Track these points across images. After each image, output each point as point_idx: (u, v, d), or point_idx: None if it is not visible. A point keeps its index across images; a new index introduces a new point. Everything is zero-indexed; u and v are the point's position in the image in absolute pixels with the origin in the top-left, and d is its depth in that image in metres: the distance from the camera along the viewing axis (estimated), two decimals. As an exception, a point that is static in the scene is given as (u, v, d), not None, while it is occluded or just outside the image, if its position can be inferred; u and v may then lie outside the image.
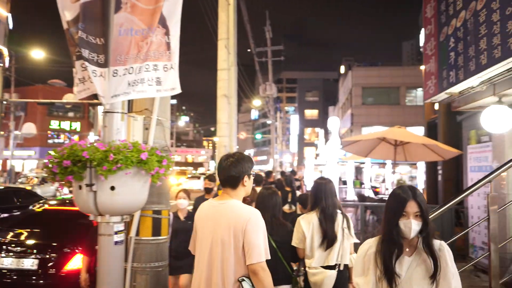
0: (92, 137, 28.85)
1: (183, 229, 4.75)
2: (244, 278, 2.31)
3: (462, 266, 3.01)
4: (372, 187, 19.54)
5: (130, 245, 3.34)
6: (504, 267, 5.00)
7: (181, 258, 4.58)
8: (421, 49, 18.17)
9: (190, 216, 4.94)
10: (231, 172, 2.45)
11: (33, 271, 4.72)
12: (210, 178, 6.26)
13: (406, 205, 2.07)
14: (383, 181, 23.44)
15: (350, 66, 39.67)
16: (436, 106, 12.80)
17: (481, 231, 6.44)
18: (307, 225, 3.48)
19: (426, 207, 2.09)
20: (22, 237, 5.26)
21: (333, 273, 3.40)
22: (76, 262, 4.72)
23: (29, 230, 5.40)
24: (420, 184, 17.88)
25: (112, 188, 2.65)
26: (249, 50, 25.17)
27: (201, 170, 59.72)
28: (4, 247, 4.91)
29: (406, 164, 20.72)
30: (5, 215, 8.99)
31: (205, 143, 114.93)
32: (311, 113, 63.94)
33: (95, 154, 2.55)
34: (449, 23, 5.45)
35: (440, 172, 11.88)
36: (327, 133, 45.18)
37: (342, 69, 44.16)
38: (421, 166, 16.92)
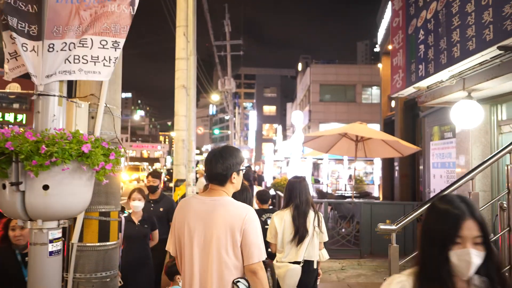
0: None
1: (137, 235, 4.24)
2: (239, 279, 2.19)
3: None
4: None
5: (72, 253, 2.86)
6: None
7: (134, 271, 4.01)
8: (375, 48, 18.51)
9: (146, 219, 4.42)
10: (217, 169, 2.33)
11: None
12: (154, 174, 5.20)
13: (461, 226, 1.35)
14: (338, 177, 23.77)
15: (308, 63, 40.01)
16: (393, 104, 13.00)
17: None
18: (279, 221, 3.67)
19: (488, 228, 1.41)
20: None
21: (296, 267, 3.57)
22: None
23: None
24: (376, 180, 18.26)
25: (45, 187, 2.15)
26: (207, 44, 24.58)
27: (157, 165, 58.37)
28: None
29: (361, 160, 21.10)
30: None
31: (161, 138, 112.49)
32: (269, 109, 64.10)
33: (23, 145, 2.04)
34: (418, 15, 5.31)
35: (396, 168, 12.06)
36: (285, 129, 45.53)
37: (300, 66, 44.50)
38: (377, 162, 17.22)
